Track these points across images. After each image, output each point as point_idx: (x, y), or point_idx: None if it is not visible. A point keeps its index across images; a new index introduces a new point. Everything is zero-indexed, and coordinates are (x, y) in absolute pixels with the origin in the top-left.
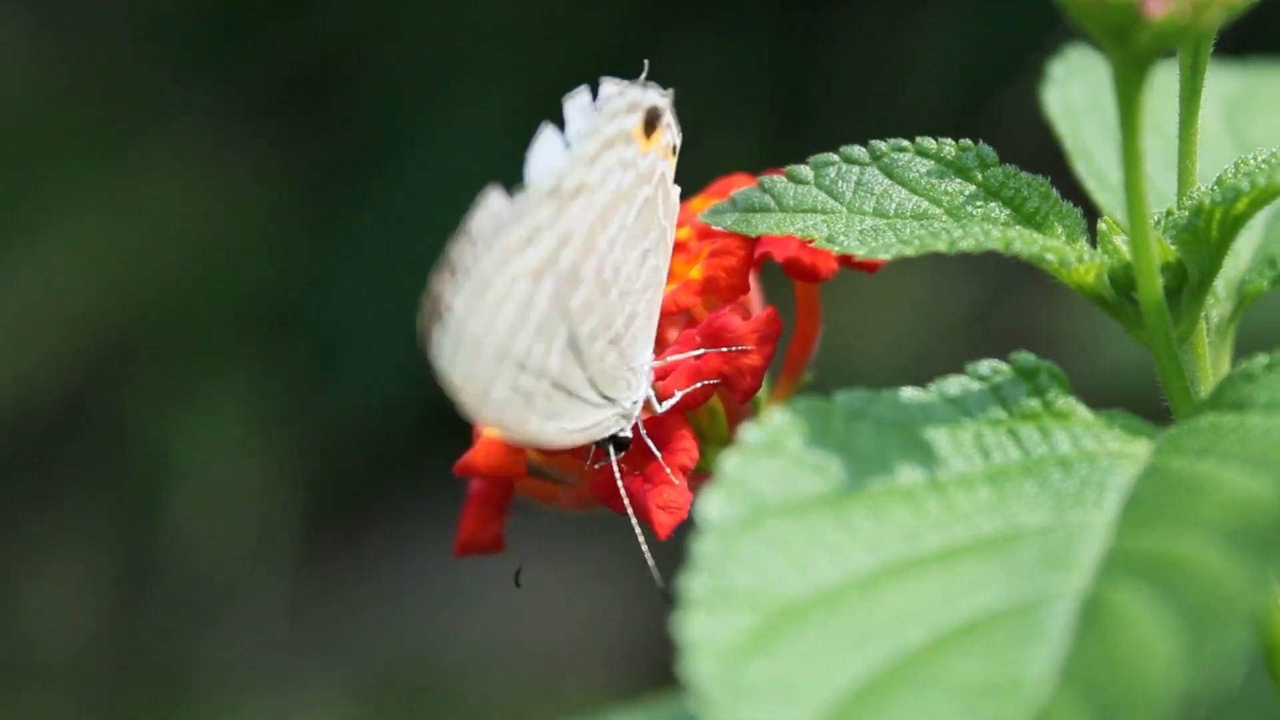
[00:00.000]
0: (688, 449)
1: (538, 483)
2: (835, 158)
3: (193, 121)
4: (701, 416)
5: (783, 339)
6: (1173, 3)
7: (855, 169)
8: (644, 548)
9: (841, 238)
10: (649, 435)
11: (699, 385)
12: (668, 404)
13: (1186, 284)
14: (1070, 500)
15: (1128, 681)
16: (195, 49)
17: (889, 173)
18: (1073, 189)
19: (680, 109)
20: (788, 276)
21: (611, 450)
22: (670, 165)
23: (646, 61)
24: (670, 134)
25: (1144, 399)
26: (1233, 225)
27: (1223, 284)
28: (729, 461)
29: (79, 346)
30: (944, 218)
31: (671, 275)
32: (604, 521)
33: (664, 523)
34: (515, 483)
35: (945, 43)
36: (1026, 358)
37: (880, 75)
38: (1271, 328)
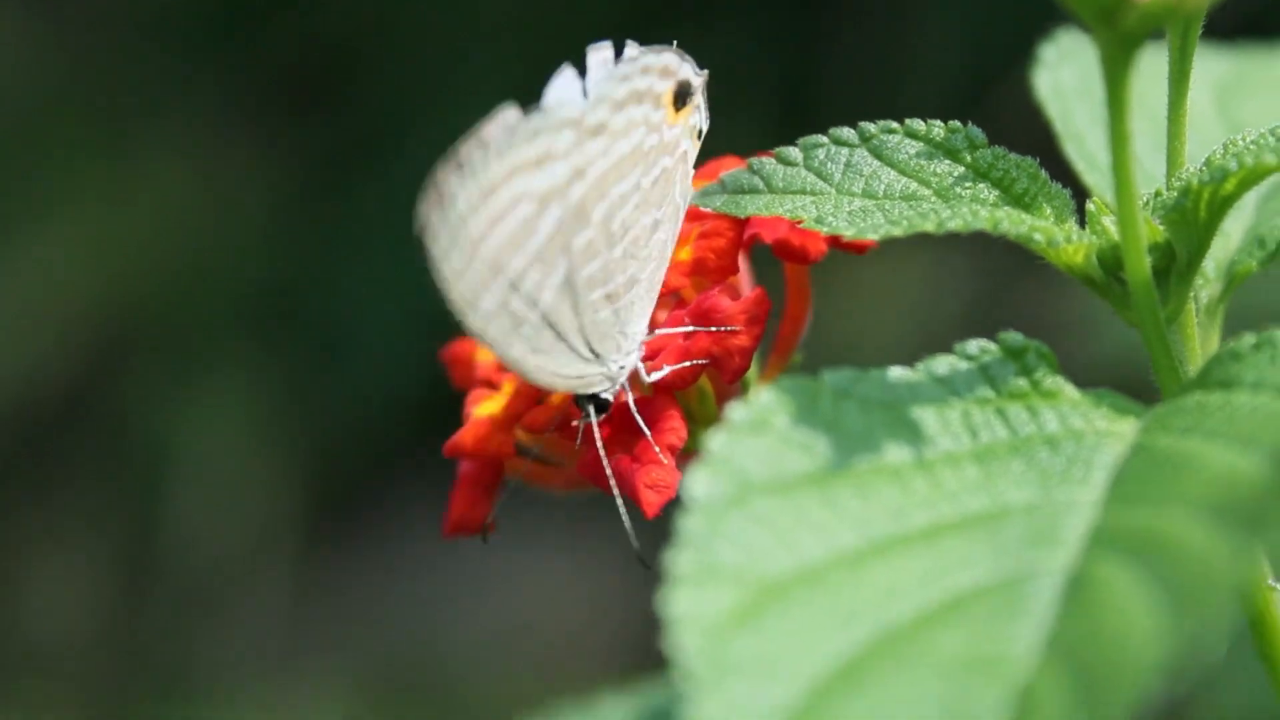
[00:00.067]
0: (676, 428)
1: (528, 464)
2: (824, 139)
3: (194, 115)
4: (690, 397)
5: (772, 320)
6: None
7: (844, 151)
8: (624, 516)
9: (830, 219)
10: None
11: (687, 364)
12: (655, 376)
13: (1175, 264)
14: (1057, 478)
15: (1112, 656)
16: (196, 43)
17: (878, 154)
18: (1064, 173)
19: None
20: (777, 258)
21: (592, 411)
22: (693, 147)
23: (674, 41)
24: (698, 116)
25: (1142, 385)
26: (1221, 205)
27: (1212, 265)
28: (715, 440)
29: (80, 339)
30: (933, 199)
31: None
32: (605, 512)
33: (652, 501)
34: (505, 464)
35: (946, 39)
36: (1014, 337)
37: (881, 71)
38: (1262, 309)
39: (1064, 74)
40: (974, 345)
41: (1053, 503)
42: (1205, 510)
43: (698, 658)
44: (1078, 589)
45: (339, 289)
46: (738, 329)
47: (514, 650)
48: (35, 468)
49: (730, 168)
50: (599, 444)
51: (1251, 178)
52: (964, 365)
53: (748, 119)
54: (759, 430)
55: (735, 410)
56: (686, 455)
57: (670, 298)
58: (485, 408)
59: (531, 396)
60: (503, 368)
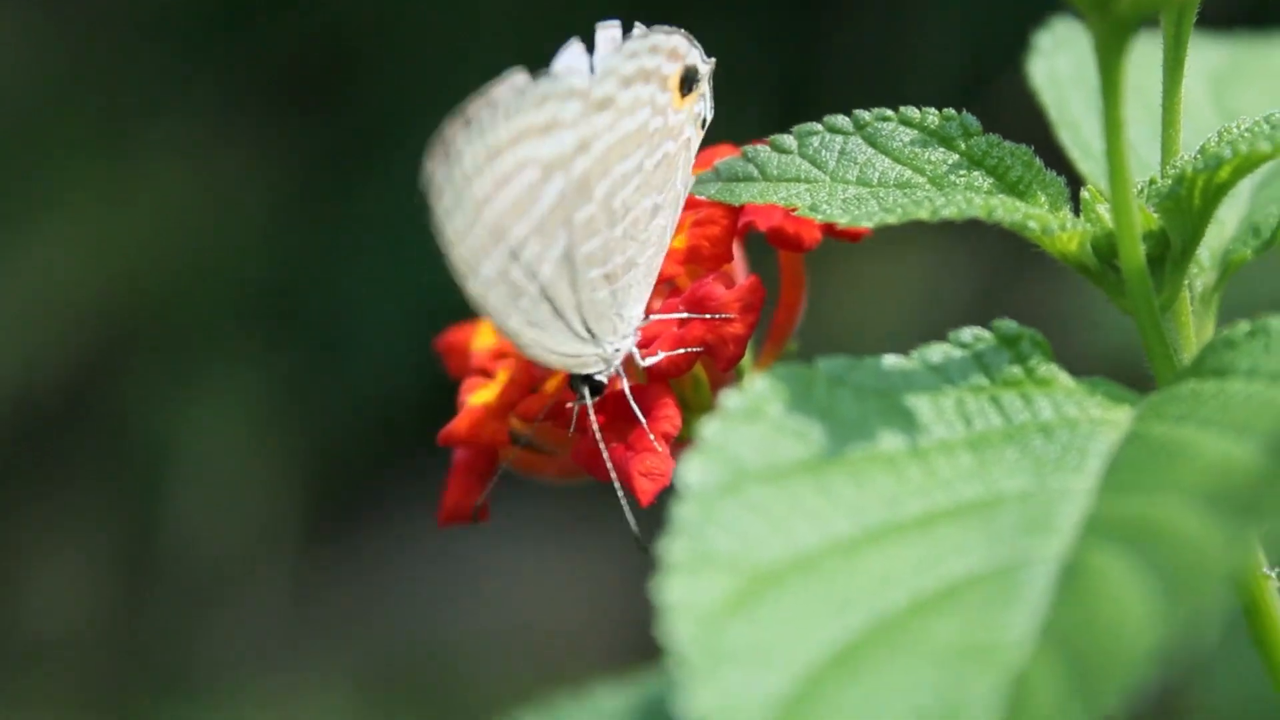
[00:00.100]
0: (670, 416)
1: (522, 452)
2: (819, 127)
3: (194, 114)
4: (685, 385)
5: (767, 308)
6: None
7: (839, 138)
8: (622, 499)
9: (825, 206)
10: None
11: (681, 352)
12: (650, 361)
13: (1169, 252)
14: (1051, 466)
15: (1105, 643)
16: (196, 43)
17: (872, 142)
18: (1060, 162)
19: None
20: (772, 246)
21: (587, 394)
22: (697, 135)
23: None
24: (703, 104)
25: (1145, 379)
26: (1215, 193)
27: (1207, 253)
28: (710, 427)
29: (80, 339)
30: (927, 186)
31: None
32: (604, 509)
33: (646, 489)
34: (499, 452)
35: (946, 39)
36: (1008, 325)
37: (881, 71)
38: (1258, 297)
39: (1059, 62)
40: (968, 333)
41: (1047, 491)
42: (1199, 498)
43: (691, 645)
44: (1072, 577)
45: (339, 289)
46: (732, 317)
47: (514, 648)
48: (36, 467)
49: (725, 156)
50: (594, 426)
51: (1246, 165)
52: (958, 353)
53: (749, 118)
54: (753, 418)
55: (729, 398)
56: (681, 443)
57: (665, 285)
58: (480, 396)
59: (526, 384)
60: (497, 356)
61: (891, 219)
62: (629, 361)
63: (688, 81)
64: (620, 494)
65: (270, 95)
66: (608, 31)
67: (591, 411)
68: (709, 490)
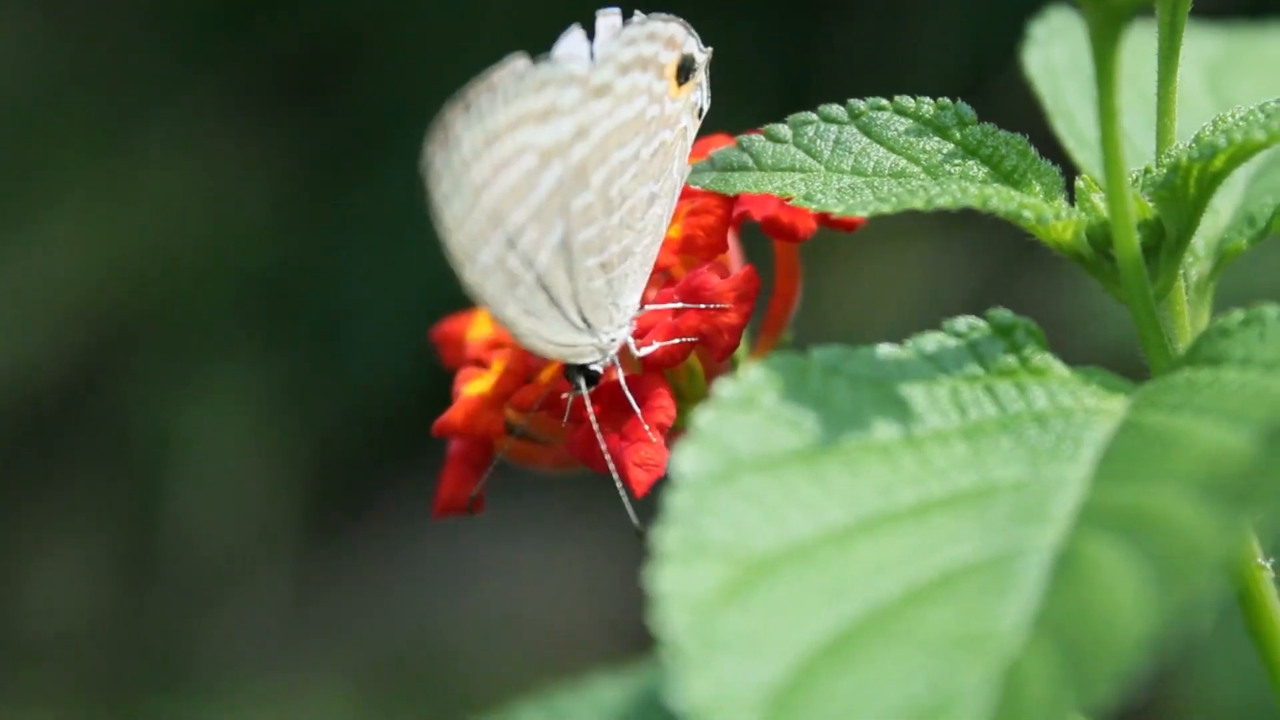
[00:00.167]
0: (665, 407)
1: (517, 443)
2: (813, 117)
3: (194, 108)
4: (680, 375)
5: (761, 298)
6: None
7: (833, 128)
8: (620, 487)
9: (819, 195)
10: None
11: (676, 342)
12: (645, 350)
13: (1164, 241)
14: (1046, 455)
15: (1098, 631)
16: (196, 35)
17: (867, 131)
18: (1055, 152)
19: None
20: (766, 236)
21: (582, 384)
22: (694, 125)
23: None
24: (700, 94)
25: (1144, 372)
26: (1210, 182)
27: (1202, 242)
28: (704, 416)
29: (81, 336)
30: (922, 176)
31: None
32: (602, 503)
33: (641, 480)
34: (494, 442)
35: (946, 39)
36: (1003, 314)
37: (880, 71)
38: (1253, 286)
39: (1055, 51)
40: (962, 322)
41: (1041, 480)
42: (1194, 486)
43: (685, 635)
44: (1066, 566)
45: (339, 285)
46: (727, 306)
47: (515, 644)
48: (35, 465)
49: (720, 146)
50: (590, 415)
51: (1241, 154)
52: (952, 342)
53: (747, 115)
54: (747, 407)
55: (724, 387)
56: (676, 433)
57: (660, 275)
58: (475, 386)
59: (521, 375)
60: (493, 347)
61: (886, 208)
62: (624, 351)
63: (684, 70)
64: (618, 482)
65: (270, 94)
66: (608, 19)
67: (588, 401)
68: (703, 479)
